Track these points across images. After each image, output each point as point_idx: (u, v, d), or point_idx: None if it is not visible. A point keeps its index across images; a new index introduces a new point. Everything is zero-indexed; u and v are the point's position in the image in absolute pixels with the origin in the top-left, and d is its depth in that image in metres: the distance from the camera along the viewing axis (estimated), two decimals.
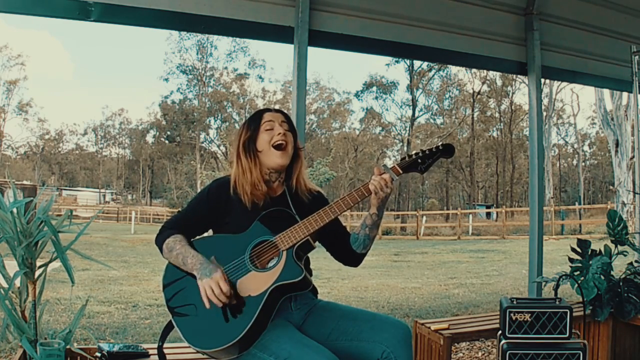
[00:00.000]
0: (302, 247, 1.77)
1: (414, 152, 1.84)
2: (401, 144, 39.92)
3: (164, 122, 41.89)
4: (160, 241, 1.83)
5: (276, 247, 1.76)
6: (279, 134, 1.86)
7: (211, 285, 1.66)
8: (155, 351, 1.92)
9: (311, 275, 1.87)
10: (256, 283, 1.71)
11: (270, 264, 1.74)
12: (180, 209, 1.99)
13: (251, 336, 1.66)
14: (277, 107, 2.33)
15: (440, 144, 1.84)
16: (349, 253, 1.93)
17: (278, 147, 1.85)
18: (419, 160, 1.81)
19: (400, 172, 1.80)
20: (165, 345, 1.93)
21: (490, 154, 38.99)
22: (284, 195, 1.90)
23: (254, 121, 1.90)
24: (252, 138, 1.88)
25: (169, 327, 1.82)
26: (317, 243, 1.86)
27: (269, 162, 1.86)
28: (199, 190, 1.98)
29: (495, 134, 39.00)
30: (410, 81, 37.18)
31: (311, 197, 1.94)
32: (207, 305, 1.68)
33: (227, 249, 1.77)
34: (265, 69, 58.43)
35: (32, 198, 2.07)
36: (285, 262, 1.73)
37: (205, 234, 1.90)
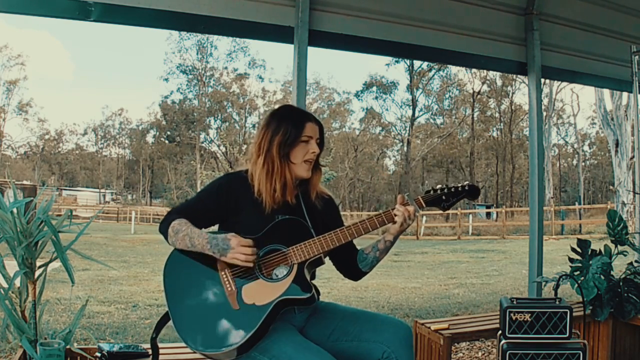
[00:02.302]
0: (313, 262, 1.75)
1: (438, 187, 1.83)
2: (401, 144, 39.93)
3: (164, 122, 41.87)
4: (165, 226, 1.77)
5: (287, 259, 1.73)
6: (314, 152, 1.82)
7: (240, 253, 1.64)
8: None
9: (314, 278, 1.86)
10: (262, 292, 1.68)
11: (278, 274, 1.72)
12: (187, 198, 1.95)
13: (251, 343, 1.65)
14: (277, 107, 2.29)
15: (466, 184, 1.84)
16: (353, 269, 1.93)
17: (307, 162, 1.83)
18: (443, 197, 1.81)
19: (424, 206, 1.80)
20: (164, 345, 1.92)
21: (490, 154, 38.98)
22: (297, 200, 1.87)
23: (296, 127, 1.81)
24: (289, 144, 1.79)
25: (164, 319, 1.80)
26: (326, 258, 1.84)
27: (295, 172, 1.82)
28: (198, 190, 1.94)
29: (495, 134, 39.00)
30: (410, 81, 37.19)
31: (323, 203, 1.92)
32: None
33: None
34: (265, 69, 58.35)
35: (32, 198, 2.08)
36: (295, 276, 1.70)
37: (211, 229, 1.87)
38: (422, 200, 1.80)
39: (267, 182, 1.78)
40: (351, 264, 1.92)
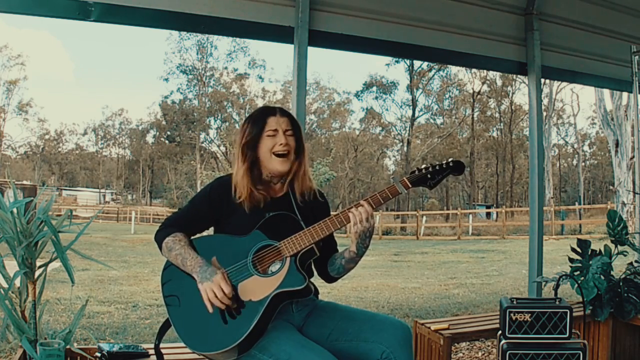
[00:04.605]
0: (306, 254, 1.75)
1: (423, 167, 1.83)
2: (401, 144, 39.94)
3: (164, 122, 41.87)
4: (159, 239, 1.81)
5: (280, 253, 1.74)
6: (281, 144, 1.81)
7: (213, 289, 1.64)
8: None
9: (312, 276, 1.87)
10: (258, 288, 1.69)
11: (273, 270, 1.73)
12: (180, 207, 1.97)
13: (251, 340, 1.65)
14: (280, 106, 2.27)
15: (450, 160, 1.83)
16: (325, 270, 1.93)
17: (279, 156, 1.82)
18: (429, 176, 1.81)
19: (410, 186, 1.80)
20: (164, 345, 1.92)
21: (490, 154, 38.98)
22: (287, 197, 1.88)
23: (257, 124, 1.83)
24: (254, 141, 1.82)
25: (166, 326, 1.81)
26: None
27: (270, 168, 1.83)
28: (199, 190, 1.95)
29: (495, 134, 39.00)
30: (410, 81, 37.17)
31: (313, 199, 1.93)
32: (210, 310, 1.66)
33: (229, 250, 1.75)
34: (265, 69, 58.35)
35: (32, 198, 2.07)
36: (289, 269, 1.71)
37: (206, 233, 1.89)
38: (407, 181, 1.80)
39: (244, 183, 1.80)
40: (324, 264, 1.92)
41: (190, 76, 39.26)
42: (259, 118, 1.86)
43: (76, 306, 5.40)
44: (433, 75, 37.21)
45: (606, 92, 16.74)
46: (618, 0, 4.05)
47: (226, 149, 36.25)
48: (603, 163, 38.90)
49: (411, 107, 37.99)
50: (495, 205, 33.07)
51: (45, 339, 1.96)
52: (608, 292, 2.86)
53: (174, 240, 1.77)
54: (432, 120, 39.67)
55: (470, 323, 2.73)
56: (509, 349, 2.19)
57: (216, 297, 1.63)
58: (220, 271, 1.69)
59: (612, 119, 16.43)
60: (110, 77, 59.49)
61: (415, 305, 6.16)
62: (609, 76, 4.20)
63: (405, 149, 38.07)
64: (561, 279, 2.64)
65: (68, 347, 1.97)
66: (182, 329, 1.71)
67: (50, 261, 2.03)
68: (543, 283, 3.19)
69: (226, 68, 40.34)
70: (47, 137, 45.12)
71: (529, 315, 2.20)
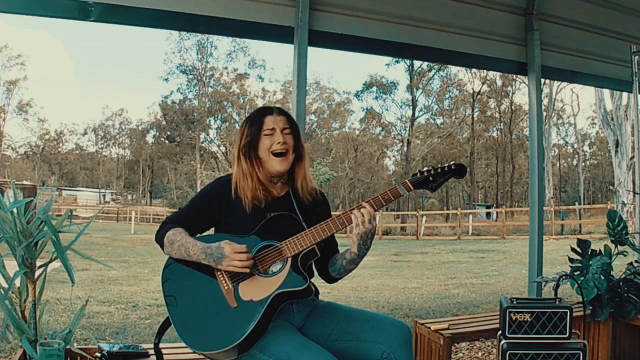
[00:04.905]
0: (307, 255, 1.75)
1: (425, 169, 1.83)
2: (401, 144, 39.93)
3: (164, 122, 41.88)
4: (160, 236, 1.81)
5: (281, 253, 1.74)
6: (279, 142, 1.82)
7: (235, 259, 1.65)
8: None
9: (312, 276, 1.87)
10: (259, 288, 1.69)
11: (274, 270, 1.73)
12: (180, 207, 1.97)
13: (251, 340, 1.65)
14: (277, 106, 2.28)
15: (452, 163, 1.84)
16: (325, 270, 1.93)
17: (278, 155, 1.82)
18: (430, 179, 1.81)
19: (412, 188, 1.80)
20: (165, 345, 1.92)
21: (490, 154, 38.98)
22: (287, 196, 1.88)
23: (255, 124, 1.85)
24: (252, 142, 1.83)
25: (165, 325, 1.81)
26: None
27: (269, 168, 1.84)
28: (199, 190, 1.96)
29: (495, 134, 38.99)
30: (410, 81, 37.16)
31: (313, 199, 1.93)
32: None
33: None
34: (265, 69, 58.32)
35: (32, 198, 2.08)
36: (290, 269, 1.72)
37: (206, 233, 1.89)
38: (409, 183, 1.81)
39: (244, 183, 1.81)
40: (325, 265, 1.92)
41: (190, 76, 39.29)
42: (256, 118, 1.87)
43: (76, 306, 5.40)
44: (433, 75, 37.24)
45: (606, 92, 16.75)
46: (618, 0, 4.05)
47: (226, 149, 36.24)
48: (603, 163, 38.89)
49: (411, 107, 38.01)
50: (495, 205, 33.07)
51: (45, 339, 1.96)
52: (608, 292, 2.86)
53: (174, 233, 1.77)
54: (432, 120, 39.71)
55: (470, 323, 2.73)
56: (509, 349, 2.19)
57: (242, 264, 1.65)
58: (223, 242, 1.69)
59: (612, 119, 16.43)
60: (110, 77, 59.55)
61: (415, 305, 6.16)
62: (609, 76, 4.21)
63: (405, 149, 38.07)
64: (561, 279, 2.64)
65: (68, 347, 1.97)
66: (182, 328, 1.71)
67: (50, 261, 2.03)
68: (543, 283, 3.19)
69: (226, 68, 40.39)
70: (47, 137, 45.15)
71: (529, 315, 2.20)
